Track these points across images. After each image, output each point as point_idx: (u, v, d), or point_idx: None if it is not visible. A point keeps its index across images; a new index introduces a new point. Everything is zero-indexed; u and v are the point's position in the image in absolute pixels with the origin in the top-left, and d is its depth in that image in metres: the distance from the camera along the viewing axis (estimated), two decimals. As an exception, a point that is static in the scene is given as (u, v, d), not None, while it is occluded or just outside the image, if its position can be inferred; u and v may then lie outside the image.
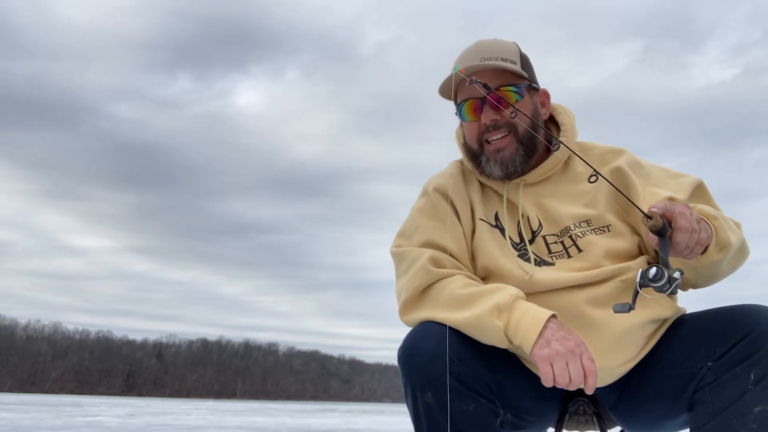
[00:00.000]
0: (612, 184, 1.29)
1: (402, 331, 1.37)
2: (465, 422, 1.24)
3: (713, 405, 1.20)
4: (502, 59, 1.45)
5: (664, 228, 1.18)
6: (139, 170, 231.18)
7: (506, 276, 1.40)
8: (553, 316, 1.27)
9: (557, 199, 1.48)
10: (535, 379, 1.38)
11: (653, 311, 1.35)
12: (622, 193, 1.27)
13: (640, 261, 1.40)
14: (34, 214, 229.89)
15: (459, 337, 1.29)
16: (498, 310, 1.27)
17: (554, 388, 1.41)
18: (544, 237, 1.45)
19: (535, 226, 1.47)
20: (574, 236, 1.43)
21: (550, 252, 1.43)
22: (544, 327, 1.24)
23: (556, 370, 1.21)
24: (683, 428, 1.36)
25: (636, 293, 1.19)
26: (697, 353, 1.27)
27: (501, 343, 1.29)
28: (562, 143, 1.39)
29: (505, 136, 1.46)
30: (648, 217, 1.17)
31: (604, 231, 1.43)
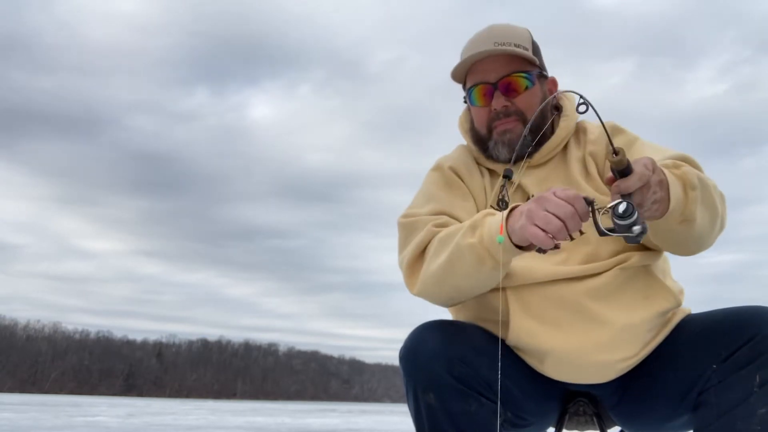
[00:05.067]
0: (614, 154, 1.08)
1: (403, 332, 1.37)
2: (467, 422, 1.24)
3: (718, 407, 1.19)
4: (515, 45, 1.43)
5: (627, 169, 1.06)
6: (153, 178, 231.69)
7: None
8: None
9: (560, 183, 1.44)
10: (537, 378, 1.38)
11: (657, 305, 1.32)
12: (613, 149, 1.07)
13: (641, 250, 1.36)
14: (47, 219, 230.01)
15: (461, 336, 1.29)
16: (472, 229, 1.26)
17: (555, 387, 1.41)
18: None
19: None
20: None
21: None
22: (510, 212, 1.19)
23: (540, 223, 1.10)
24: (684, 429, 1.35)
25: (595, 218, 1.10)
26: (702, 355, 1.25)
27: (482, 263, 1.23)
28: (591, 105, 1.14)
29: (514, 121, 1.44)
30: (615, 152, 1.05)
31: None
